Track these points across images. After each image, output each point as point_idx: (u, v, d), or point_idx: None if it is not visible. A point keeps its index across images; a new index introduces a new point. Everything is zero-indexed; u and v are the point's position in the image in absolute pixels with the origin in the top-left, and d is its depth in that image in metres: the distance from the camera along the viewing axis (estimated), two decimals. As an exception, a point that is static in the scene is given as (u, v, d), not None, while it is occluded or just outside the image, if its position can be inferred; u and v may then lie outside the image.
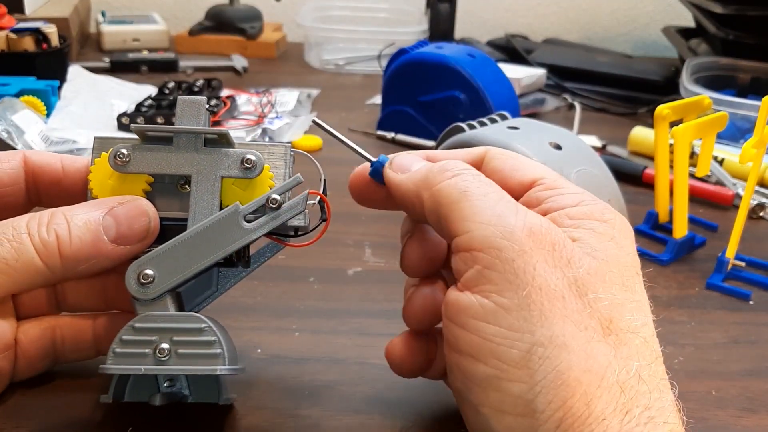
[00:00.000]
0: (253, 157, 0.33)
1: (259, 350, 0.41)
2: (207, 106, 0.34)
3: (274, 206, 0.32)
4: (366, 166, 0.34)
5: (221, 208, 0.32)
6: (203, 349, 0.31)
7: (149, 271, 0.31)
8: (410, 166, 0.32)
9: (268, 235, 0.33)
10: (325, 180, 0.34)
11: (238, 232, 0.31)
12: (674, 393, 0.27)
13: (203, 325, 0.31)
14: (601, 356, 0.26)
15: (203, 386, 0.34)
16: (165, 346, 0.30)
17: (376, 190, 0.34)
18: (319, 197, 0.34)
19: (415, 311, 0.33)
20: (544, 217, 0.29)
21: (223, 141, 0.33)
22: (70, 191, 0.35)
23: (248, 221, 0.32)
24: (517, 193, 0.31)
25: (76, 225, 0.31)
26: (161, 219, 0.33)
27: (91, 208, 0.32)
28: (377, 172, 0.34)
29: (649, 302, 0.29)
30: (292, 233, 0.35)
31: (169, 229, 0.33)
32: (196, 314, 0.31)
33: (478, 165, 0.33)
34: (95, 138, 0.34)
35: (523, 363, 0.26)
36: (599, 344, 0.26)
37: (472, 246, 0.27)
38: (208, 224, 0.31)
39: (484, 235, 0.27)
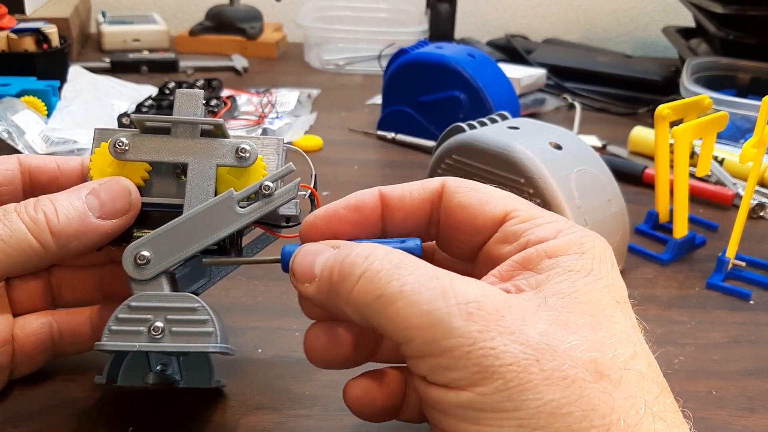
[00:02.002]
0: (247, 147, 0.34)
1: (260, 350, 0.41)
2: (204, 101, 0.35)
3: (266, 192, 0.33)
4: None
5: (216, 195, 0.33)
6: (196, 327, 0.31)
7: (145, 253, 0.32)
8: (312, 269, 0.28)
9: (260, 225, 0.33)
10: (315, 175, 0.35)
11: (231, 216, 0.32)
12: (690, 426, 0.25)
13: (196, 305, 0.32)
14: (601, 405, 0.23)
15: (194, 370, 0.35)
16: (159, 324, 0.31)
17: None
18: (309, 191, 0.34)
19: (368, 407, 0.30)
20: (523, 252, 0.28)
21: (219, 132, 0.34)
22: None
23: (242, 207, 0.33)
24: (490, 229, 0.30)
25: (62, 205, 0.32)
26: (158, 205, 0.34)
27: (73, 191, 0.33)
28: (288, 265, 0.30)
29: (639, 324, 0.28)
30: (284, 223, 0.35)
31: (166, 215, 0.33)
32: (190, 294, 0.32)
33: (437, 199, 0.31)
34: (96, 129, 0.36)
35: None
36: (594, 392, 0.23)
37: (421, 353, 0.25)
38: (203, 208, 0.32)
39: (427, 341, 0.24)
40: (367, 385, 0.30)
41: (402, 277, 0.25)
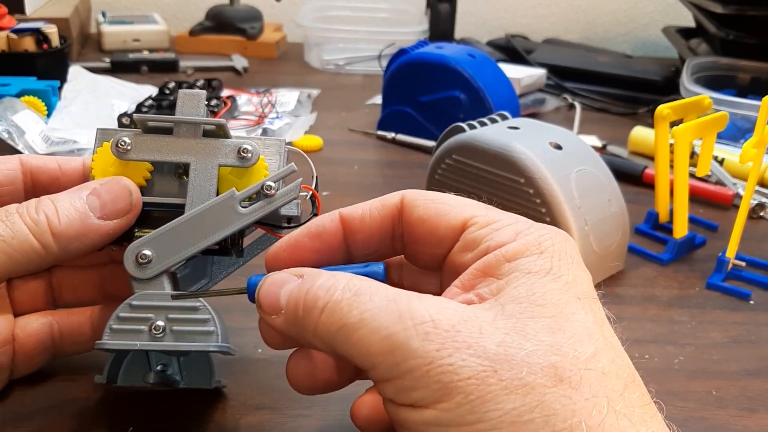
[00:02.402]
0: (249, 147, 0.34)
1: (260, 350, 0.41)
2: (206, 103, 0.35)
3: (268, 193, 0.33)
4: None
5: (218, 195, 0.33)
6: (197, 327, 0.32)
7: (147, 252, 0.32)
8: (278, 300, 0.28)
9: (262, 225, 0.33)
10: (317, 177, 0.35)
11: (233, 216, 0.32)
12: (662, 415, 0.25)
13: (198, 304, 0.32)
14: (562, 410, 0.23)
15: (195, 370, 0.35)
16: (160, 323, 0.31)
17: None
18: (310, 192, 0.34)
19: (377, 425, 0.30)
20: (483, 259, 0.28)
21: (221, 132, 0.34)
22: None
23: (243, 206, 0.33)
24: (450, 239, 0.30)
25: (63, 206, 0.32)
26: (160, 205, 0.34)
27: (74, 191, 0.33)
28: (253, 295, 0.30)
29: (608, 317, 0.27)
30: (285, 224, 0.35)
31: (168, 215, 0.33)
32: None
33: (397, 214, 0.31)
34: (98, 129, 0.36)
35: None
36: (554, 397, 0.24)
37: (386, 377, 0.25)
38: (204, 208, 0.32)
39: (389, 365, 0.25)
40: (373, 404, 0.30)
41: (361, 305, 0.26)
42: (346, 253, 0.32)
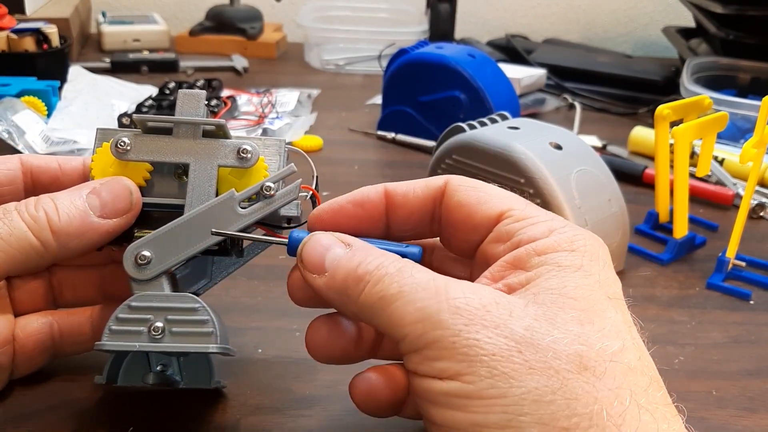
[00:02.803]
0: (249, 147, 0.34)
1: (260, 350, 0.41)
2: (206, 103, 0.35)
3: (268, 193, 0.33)
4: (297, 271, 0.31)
5: (217, 195, 0.33)
6: (196, 328, 0.31)
7: (146, 253, 0.32)
8: (323, 262, 0.29)
9: (262, 226, 0.33)
10: (317, 176, 0.35)
11: (232, 217, 0.32)
12: (683, 420, 0.25)
13: (197, 305, 0.32)
14: (584, 395, 0.24)
15: (194, 370, 0.35)
16: (159, 324, 0.31)
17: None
18: (310, 192, 0.34)
19: (372, 401, 0.31)
20: (514, 252, 0.29)
21: (220, 132, 0.34)
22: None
23: (243, 207, 0.33)
24: (486, 228, 0.30)
25: (63, 203, 0.32)
26: (160, 205, 0.34)
27: (74, 190, 0.33)
28: (295, 249, 0.31)
29: (635, 321, 0.28)
30: (285, 224, 0.35)
31: (167, 215, 0.33)
32: (190, 294, 0.32)
33: (439, 196, 0.32)
34: (98, 129, 0.35)
35: (503, 424, 0.24)
36: (577, 383, 0.24)
37: (414, 348, 0.26)
38: (204, 209, 0.32)
39: (418, 335, 0.26)
40: (372, 380, 0.31)
41: (402, 279, 0.27)
42: (386, 226, 0.32)
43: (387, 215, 0.32)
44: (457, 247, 0.32)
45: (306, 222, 0.34)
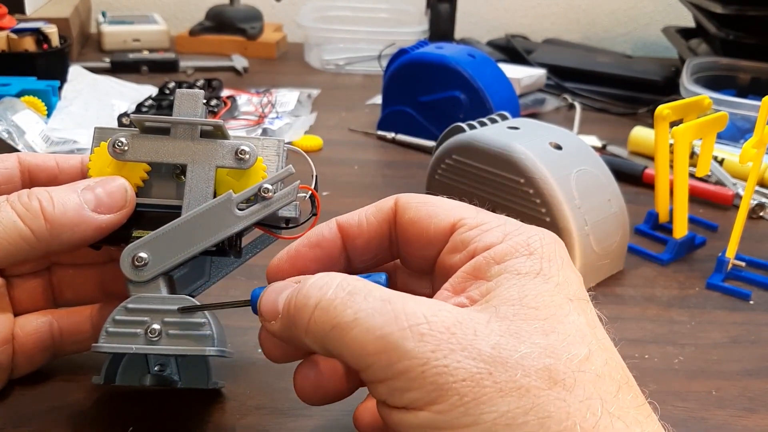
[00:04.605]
0: (247, 148, 0.33)
1: (259, 350, 0.40)
2: (205, 101, 0.35)
3: (266, 195, 0.32)
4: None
5: (215, 197, 0.33)
6: (193, 331, 0.31)
7: (143, 255, 0.32)
8: (277, 307, 0.28)
9: (260, 226, 0.33)
10: (316, 176, 0.35)
11: (230, 218, 0.32)
12: (657, 415, 0.25)
13: None
14: (556, 412, 0.23)
15: (192, 371, 0.35)
16: (156, 326, 0.31)
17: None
18: (310, 192, 0.34)
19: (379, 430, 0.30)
20: (472, 260, 0.28)
21: (218, 133, 0.34)
22: None
23: (241, 209, 0.32)
24: (440, 241, 0.30)
25: (58, 195, 0.32)
26: (158, 206, 0.34)
27: (68, 186, 0.33)
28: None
29: (600, 317, 0.27)
30: (283, 225, 0.35)
31: (165, 216, 0.33)
32: (187, 297, 0.32)
33: (392, 217, 0.31)
34: (95, 128, 0.35)
35: None
36: (548, 399, 0.24)
37: (379, 378, 0.25)
38: (201, 210, 0.32)
39: (383, 366, 0.25)
40: (376, 410, 0.30)
41: (355, 304, 0.25)
42: (347, 260, 0.32)
43: (345, 249, 0.32)
44: (416, 264, 0.32)
45: (304, 222, 0.34)
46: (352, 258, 0.32)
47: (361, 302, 0.25)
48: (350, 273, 0.31)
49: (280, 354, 0.31)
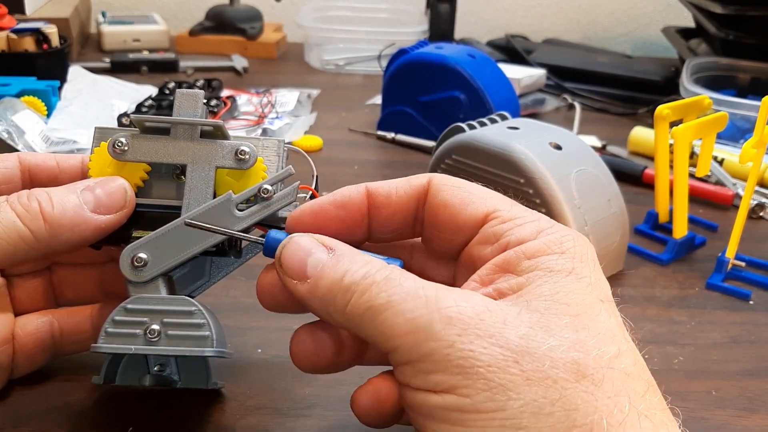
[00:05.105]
0: (246, 149, 0.33)
1: (260, 350, 0.41)
2: (205, 101, 0.35)
3: (265, 196, 0.32)
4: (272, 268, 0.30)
5: (215, 197, 0.33)
6: (193, 331, 0.31)
7: (143, 255, 0.32)
8: (304, 268, 0.28)
9: (260, 226, 0.33)
10: (317, 176, 0.35)
11: (230, 219, 0.32)
12: (679, 424, 0.25)
13: (193, 308, 0.32)
14: (583, 405, 0.23)
15: (192, 371, 0.35)
16: (155, 327, 0.31)
17: (287, 294, 0.30)
18: (310, 192, 0.34)
19: (376, 414, 0.30)
20: (503, 254, 0.28)
21: (218, 133, 0.34)
22: None
23: (240, 210, 0.32)
24: (470, 230, 0.30)
25: (57, 195, 0.32)
26: (157, 207, 0.34)
27: (68, 186, 0.33)
28: (272, 251, 0.30)
29: (625, 322, 0.27)
30: (283, 225, 0.35)
31: (165, 216, 0.33)
32: (187, 297, 0.32)
33: (422, 196, 0.31)
34: (96, 128, 0.35)
35: None
36: (576, 392, 0.24)
37: (405, 360, 0.25)
38: (201, 211, 0.32)
39: (410, 347, 0.25)
40: (374, 393, 0.30)
41: (390, 288, 0.26)
42: (368, 227, 0.32)
43: (369, 216, 0.31)
44: (440, 248, 0.32)
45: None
46: (374, 228, 0.32)
47: (395, 287, 0.26)
48: (369, 242, 0.31)
49: (273, 304, 0.31)
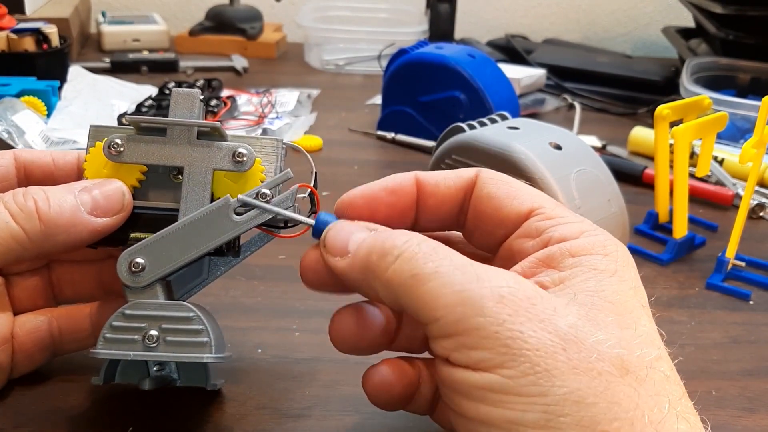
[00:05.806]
0: (244, 151, 0.33)
1: (260, 350, 0.41)
2: (201, 98, 0.34)
3: (264, 200, 0.32)
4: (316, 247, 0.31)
5: (212, 200, 0.33)
6: (191, 337, 0.31)
7: (140, 260, 0.31)
8: (346, 245, 0.29)
9: (259, 226, 0.33)
10: (316, 173, 0.35)
11: (228, 224, 0.32)
12: (707, 428, 0.25)
13: (191, 314, 0.32)
14: (626, 400, 0.23)
15: (191, 371, 0.35)
16: (154, 333, 0.31)
17: (331, 274, 0.30)
18: (309, 190, 0.34)
19: (385, 394, 0.31)
20: (546, 249, 0.28)
21: (216, 134, 0.34)
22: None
23: (238, 214, 0.32)
24: (513, 223, 0.30)
25: (55, 195, 0.32)
26: (154, 209, 0.34)
27: (66, 186, 0.33)
28: (319, 233, 0.31)
29: (658, 331, 0.28)
30: (282, 226, 0.35)
31: (162, 219, 0.33)
32: (185, 303, 0.32)
33: (470, 188, 0.31)
34: (91, 126, 0.35)
35: (542, 424, 0.23)
36: (619, 387, 0.24)
37: (448, 332, 0.25)
38: (198, 216, 0.32)
39: (455, 319, 0.24)
40: (387, 373, 0.30)
41: (438, 260, 0.26)
42: (415, 215, 0.32)
43: (417, 204, 0.32)
44: (481, 240, 0.32)
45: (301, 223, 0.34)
46: (420, 217, 0.32)
47: (444, 259, 0.26)
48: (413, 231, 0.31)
49: (316, 282, 0.31)
